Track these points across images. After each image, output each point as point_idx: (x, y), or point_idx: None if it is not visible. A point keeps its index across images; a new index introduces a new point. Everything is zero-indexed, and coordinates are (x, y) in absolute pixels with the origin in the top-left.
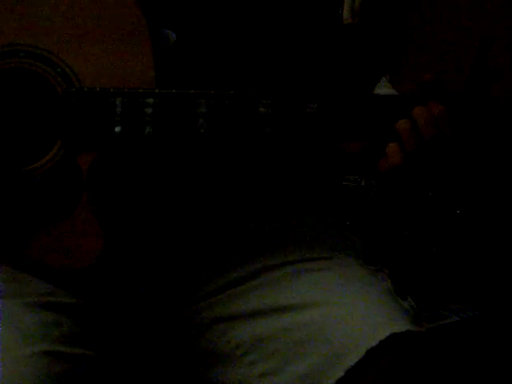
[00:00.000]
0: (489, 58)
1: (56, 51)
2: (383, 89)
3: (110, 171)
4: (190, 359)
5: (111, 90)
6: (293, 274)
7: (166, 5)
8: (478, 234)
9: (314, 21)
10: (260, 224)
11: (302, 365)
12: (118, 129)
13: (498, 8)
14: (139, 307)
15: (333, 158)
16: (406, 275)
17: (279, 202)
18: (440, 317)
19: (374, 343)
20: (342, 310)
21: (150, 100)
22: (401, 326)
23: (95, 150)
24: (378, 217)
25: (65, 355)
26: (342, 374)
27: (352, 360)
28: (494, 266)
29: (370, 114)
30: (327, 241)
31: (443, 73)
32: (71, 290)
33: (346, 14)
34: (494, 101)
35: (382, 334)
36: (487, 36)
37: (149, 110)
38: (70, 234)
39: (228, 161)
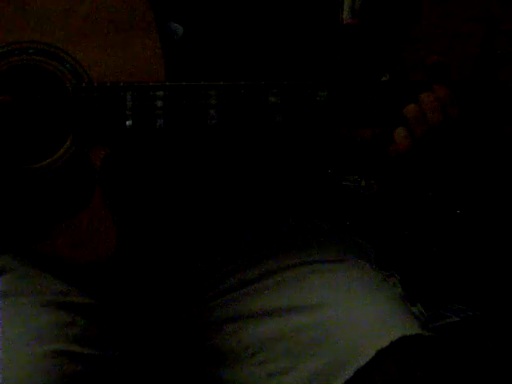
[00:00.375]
0: (496, 40)
1: (64, 47)
2: None
3: (123, 165)
4: (199, 358)
5: (121, 84)
6: (305, 274)
7: None
8: (478, 234)
9: (315, 14)
10: (272, 226)
11: (311, 365)
12: (129, 123)
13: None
14: (152, 306)
15: (344, 147)
16: (415, 281)
17: (290, 201)
18: (440, 317)
19: (384, 344)
20: (353, 311)
21: (161, 93)
22: (411, 329)
23: (107, 144)
24: (378, 217)
25: (78, 355)
26: (351, 374)
27: (362, 360)
28: (494, 266)
29: (379, 100)
30: (340, 244)
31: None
32: (86, 289)
33: (346, 14)
34: (502, 85)
35: (393, 335)
36: (493, 19)
37: (159, 103)
38: (84, 229)
39: (241, 155)
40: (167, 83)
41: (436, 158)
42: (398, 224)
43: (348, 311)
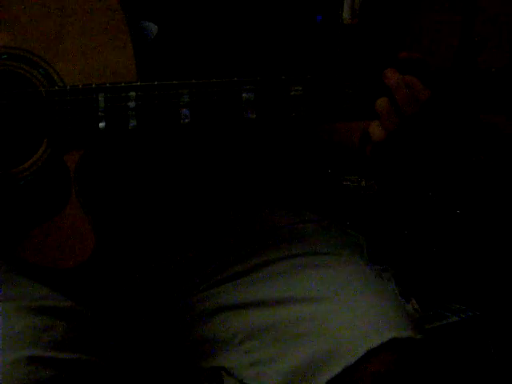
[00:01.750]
0: (474, 28)
1: (38, 52)
2: None
3: (98, 168)
4: (188, 347)
5: (93, 85)
6: (299, 267)
7: None
8: (478, 234)
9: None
10: (265, 218)
11: (297, 358)
12: (102, 124)
13: None
14: (141, 301)
15: (332, 150)
16: (410, 276)
17: (279, 195)
18: (440, 317)
19: (374, 345)
20: (345, 308)
21: (133, 93)
22: (403, 331)
23: (81, 147)
24: (378, 217)
25: (53, 361)
26: (339, 370)
27: (351, 359)
28: (494, 266)
29: (356, 93)
30: (333, 237)
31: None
32: (67, 293)
33: (346, 14)
34: (483, 72)
35: (384, 336)
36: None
37: (132, 104)
38: (61, 233)
39: (218, 153)
40: (139, 83)
41: (412, 143)
42: (398, 224)
43: (340, 307)
